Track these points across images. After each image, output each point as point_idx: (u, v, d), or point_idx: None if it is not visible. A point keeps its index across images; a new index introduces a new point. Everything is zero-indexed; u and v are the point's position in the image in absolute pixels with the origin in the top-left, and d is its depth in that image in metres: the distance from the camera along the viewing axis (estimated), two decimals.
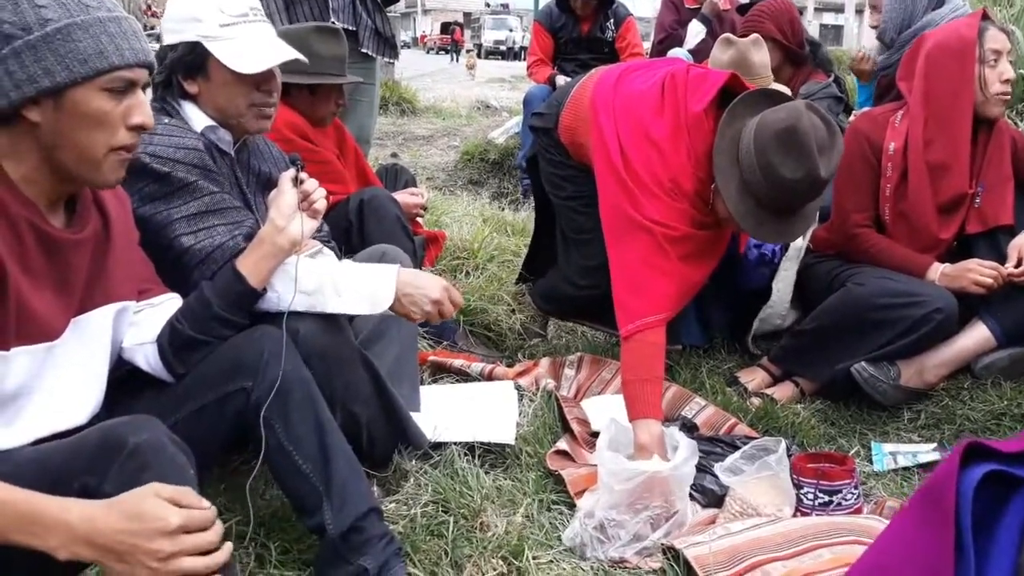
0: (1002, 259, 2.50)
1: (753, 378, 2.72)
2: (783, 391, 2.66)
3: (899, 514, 1.05)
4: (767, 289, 2.86)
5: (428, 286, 1.94)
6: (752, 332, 2.87)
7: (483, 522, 1.95)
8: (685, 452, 2.01)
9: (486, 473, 2.14)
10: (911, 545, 0.93)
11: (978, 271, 2.48)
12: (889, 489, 2.22)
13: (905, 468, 2.30)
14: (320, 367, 1.81)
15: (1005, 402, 2.42)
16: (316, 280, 1.84)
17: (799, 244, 2.87)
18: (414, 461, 2.11)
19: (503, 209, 4.68)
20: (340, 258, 2.35)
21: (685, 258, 2.27)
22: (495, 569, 1.83)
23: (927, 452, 2.32)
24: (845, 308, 2.55)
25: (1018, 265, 2.44)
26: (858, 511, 1.97)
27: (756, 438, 2.35)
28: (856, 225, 2.71)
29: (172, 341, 1.71)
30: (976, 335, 2.51)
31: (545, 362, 2.74)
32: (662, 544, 1.81)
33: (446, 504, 1.97)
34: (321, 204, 1.86)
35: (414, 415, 2.18)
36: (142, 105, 1.45)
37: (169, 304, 1.77)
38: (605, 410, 2.51)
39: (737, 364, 2.87)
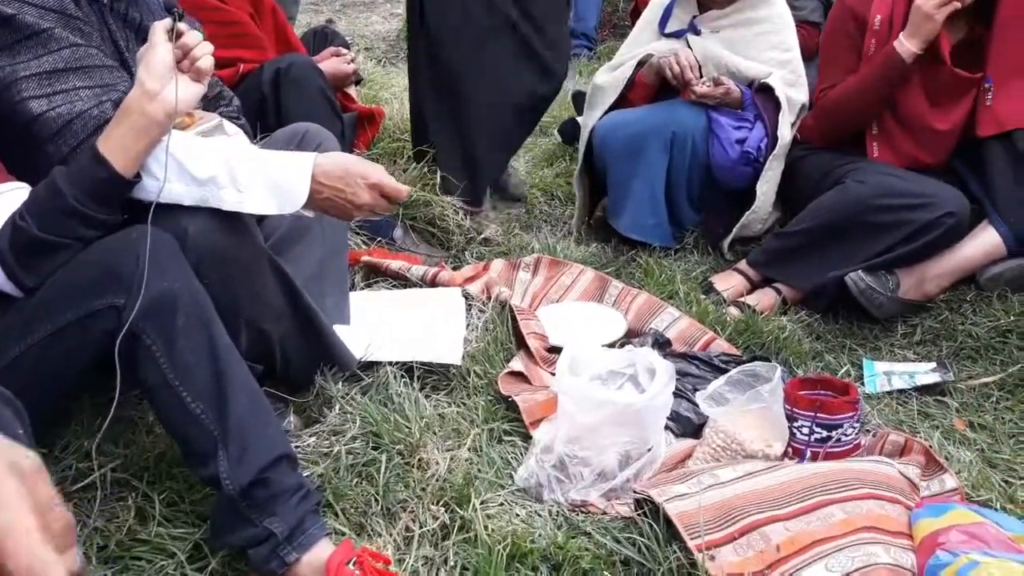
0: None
1: (730, 285, 2.41)
2: (763, 300, 2.35)
3: None
4: (747, 189, 2.52)
5: (358, 172, 1.54)
6: (731, 235, 2.55)
7: (422, 459, 1.64)
8: (663, 378, 1.71)
9: (427, 398, 1.82)
10: None
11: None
12: (884, 416, 1.96)
13: (901, 390, 2.04)
14: (217, 277, 1.45)
15: (1012, 317, 2.15)
16: (210, 166, 1.44)
17: (787, 140, 2.52)
18: (340, 384, 1.78)
19: None
20: (253, 140, 1.95)
21: None
22: (435, 518, 1.53)
23: (925, 372, 2.06)
24: (842, 208, 2.22)
25: None
26: (856, 447, 1.71)
27: (736, 355, 2.07)
28: (823, 90, 2.44)
29: (14, 243, 1.32)
30: (984, 241, 2.22)
31: (498, 264, 2.39)
32: (634, 493, 1.52)
33: (378, 438, 1.65)
34: (206, 62, 1.43)
35: (342, 329, 1.84)
36: None
37: (13, 196, 1.37)
38: (565, 320, 2.20)
39: (711, 267, 2.56)
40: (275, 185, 1.46)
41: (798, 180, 2.49)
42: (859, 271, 2.19)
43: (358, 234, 2.42)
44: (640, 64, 2.67)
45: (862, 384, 2.08)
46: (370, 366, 1.83)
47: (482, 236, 2.57)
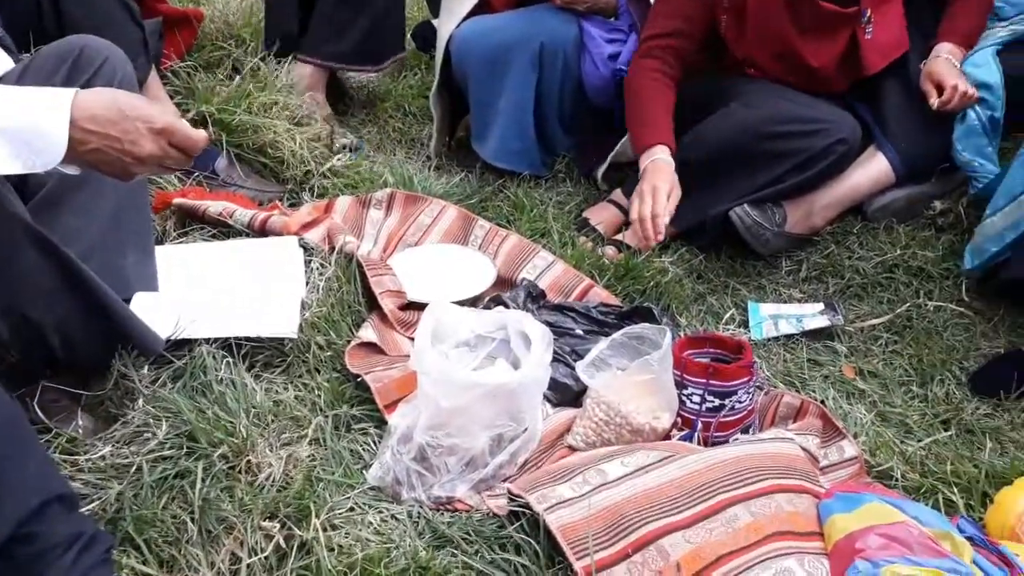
0: (914, 93, 2.03)
1: (603, 219, 2.17)
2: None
3: None
4: (622, 110, 2.26)
5: (139, 116, 1.15)
6: (606, 163, 2.30)
7: (251, 462, 1.35)
8: (539, 348, 1.47)
9: (256, 379, 1.51)
10: None
11: (635, 230, 1.91)
12: (773, 366, 1.81)
13: (788, 336, 1.89)
14: None
15: (899, 250, 2.03)
16: None
17: None
18: (145, 369, 1.44)
19: None
20: (17, 60, 1.53)
21: None
22: (269, 537, 1.26)
23: (813, 316, 1.92)
24: (728, 137, 2.00)
25: (940, 94, 1.96)
26: (750, 414, 1.54)
27: (615, 306, 1.85)
28: (648, 39, 2.12)
29: None
30: (873, 169, 2.07)
31: (343, 203, 2.04)
32: (510, 495, 1.29)
33: (193, 441, 1.34)
34: None
35: (146, 299, 1.48)
36: None
37: None
38: (425, 268, 1.91)
39: (585, 199, 2.31)
40: (18, 134, 1.07)
41: (678, 100, 2.25)
42: (744, 205, 2.00)
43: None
44: None
45: (747, 331, 1.92)
46: (183, 343, 1.49)
47: (326, 167, 2.21)
